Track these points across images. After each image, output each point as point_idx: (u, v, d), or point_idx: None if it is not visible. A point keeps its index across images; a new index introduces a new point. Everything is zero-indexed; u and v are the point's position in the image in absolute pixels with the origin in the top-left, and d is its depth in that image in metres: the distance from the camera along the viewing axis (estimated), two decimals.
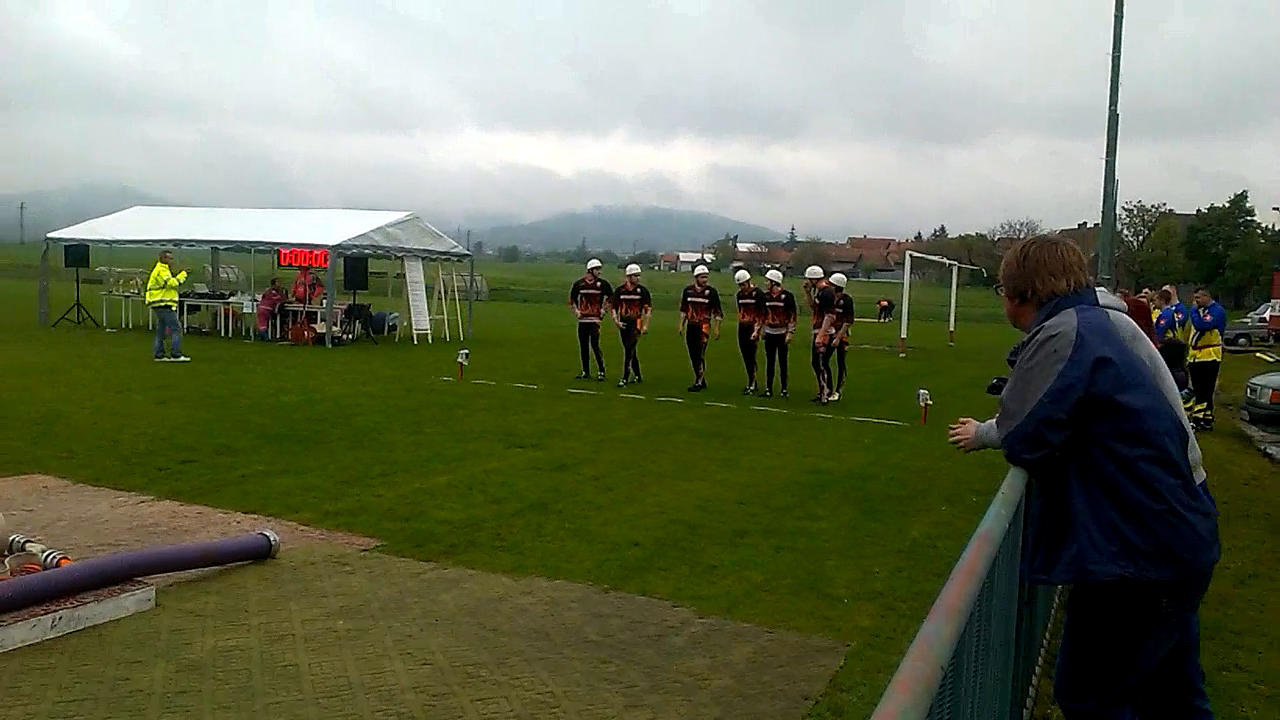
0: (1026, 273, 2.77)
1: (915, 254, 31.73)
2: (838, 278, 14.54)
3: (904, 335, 25.06)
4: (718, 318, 14.63)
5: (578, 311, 15.17)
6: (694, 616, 4.87)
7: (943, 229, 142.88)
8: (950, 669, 1.27)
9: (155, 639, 4.33)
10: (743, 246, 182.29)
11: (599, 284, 15.04)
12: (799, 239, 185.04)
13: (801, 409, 12.89)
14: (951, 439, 3.13)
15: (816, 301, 13.69)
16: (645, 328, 14.84)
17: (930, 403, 11.74)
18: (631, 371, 14.90)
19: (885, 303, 44.36)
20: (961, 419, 3.11)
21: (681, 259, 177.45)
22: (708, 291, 14.61)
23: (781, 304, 13.91)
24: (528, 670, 4.14)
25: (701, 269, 15.82)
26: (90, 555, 5.19)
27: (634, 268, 15.74)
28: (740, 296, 14.44)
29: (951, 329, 31.10)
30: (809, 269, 14.25)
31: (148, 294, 16.86)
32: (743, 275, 14.65)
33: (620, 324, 14.85)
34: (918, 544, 6.37)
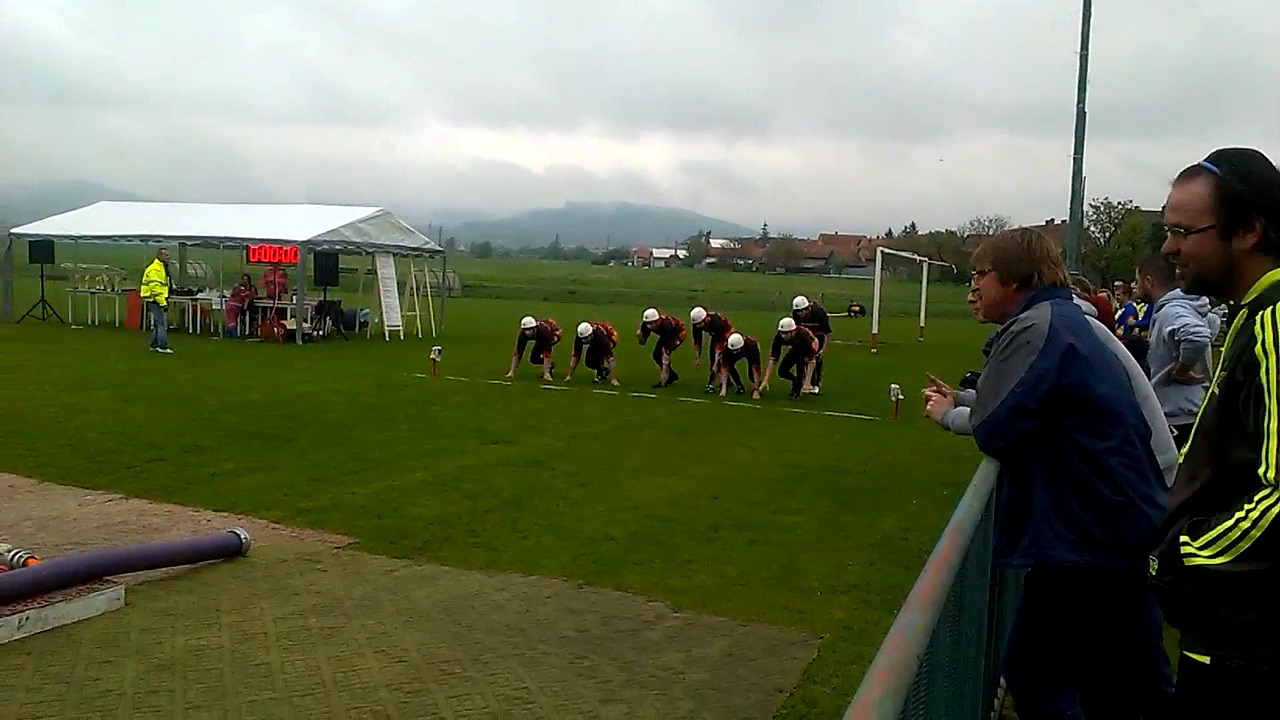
0: (1034, 258, 2.79)
1: (886, 250, 31.98)
2: (798, 300, 15.20)
3: (875, 331, 25.25)
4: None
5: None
6: (669, 611, 4.88)
7: (913, 225, 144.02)
8: (926, 658, 1.29)
9: (125, 638, 4.28)
10: (715, 242, 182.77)
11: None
12: (771, 235, 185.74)
13: (774, 404, 12.95)
14: (926, 400, 3.16)
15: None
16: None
17: (902, 397, 11.84)
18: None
19: (857, 307, 44.64)
20: (934, 379, 3.16)
21: (655, 255, 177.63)
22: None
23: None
24: (503, 666, 4.13)
25: (651, 313, 15.55)
26: (58, 555, 5.11)
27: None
28: (699, 330, 14.85)
29: (922, 324, 31.38)
30: (783, 321, 13.64)
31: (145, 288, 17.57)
32: (698, 313, 14.90)
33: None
34: (890, 537, 6.43)
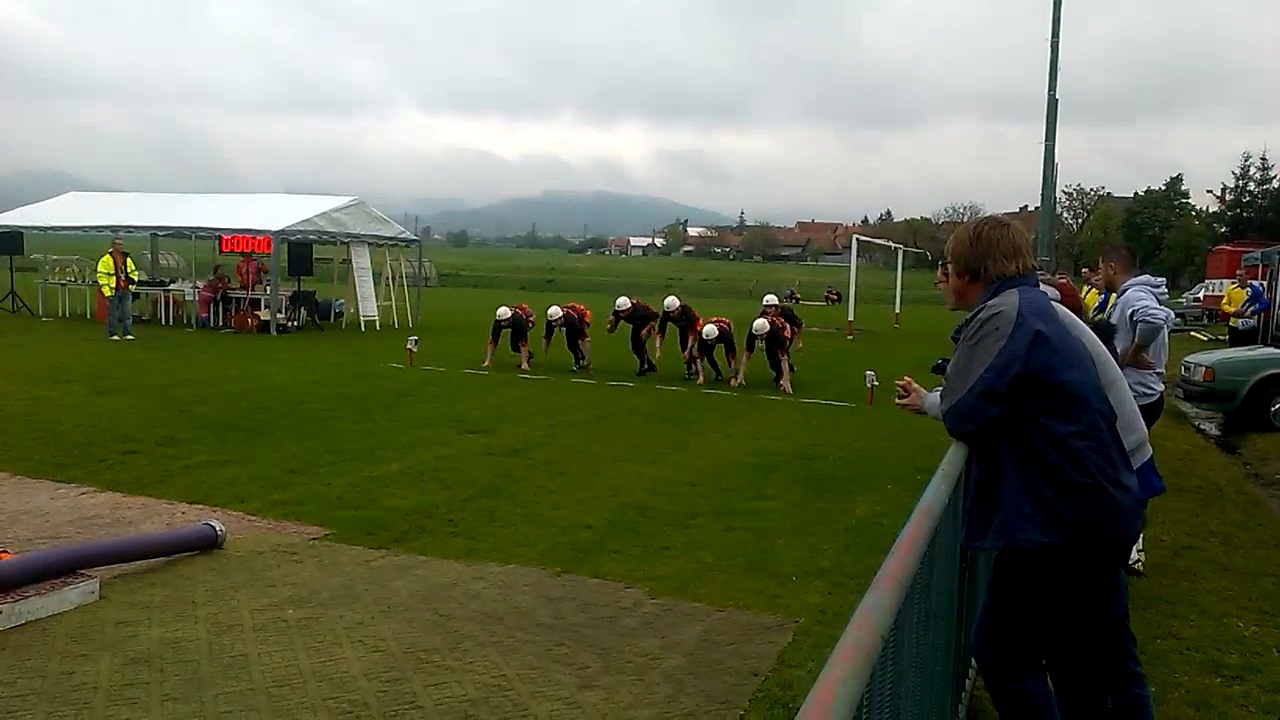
0: (979, 252, 2.83)
1: (862, 238, 32.11)
2: (768, 298, 15.01)
3: (851, 318, 25.38)
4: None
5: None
6: (646, 597, 4.91)
7: (888, 213, 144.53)
8: (892, 638, 1.32)
9: (100, 632, 4.26)
10: (693, 231, 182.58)
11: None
12: (749, 223, 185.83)
13: (752, 392, 13.01)
14: (898, 403, 3.22)
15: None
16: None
17: (877, 384, 11.93)
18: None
19: (834, 295, 44.92)
20: (907, 378, 3.21)
21: (633, 243, 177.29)
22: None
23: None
24: (480, 654, 4.15)
25: (623, 300, 15.46)
26: (31, 548, 5.07)
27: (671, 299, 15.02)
28: (668, 319, 14.59)
29: (897, 311, 31.57)
30: (756, 324, 13.27)
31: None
32: (671, 301, 14.63)
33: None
34: (864, 522, 6.50)
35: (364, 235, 22.26)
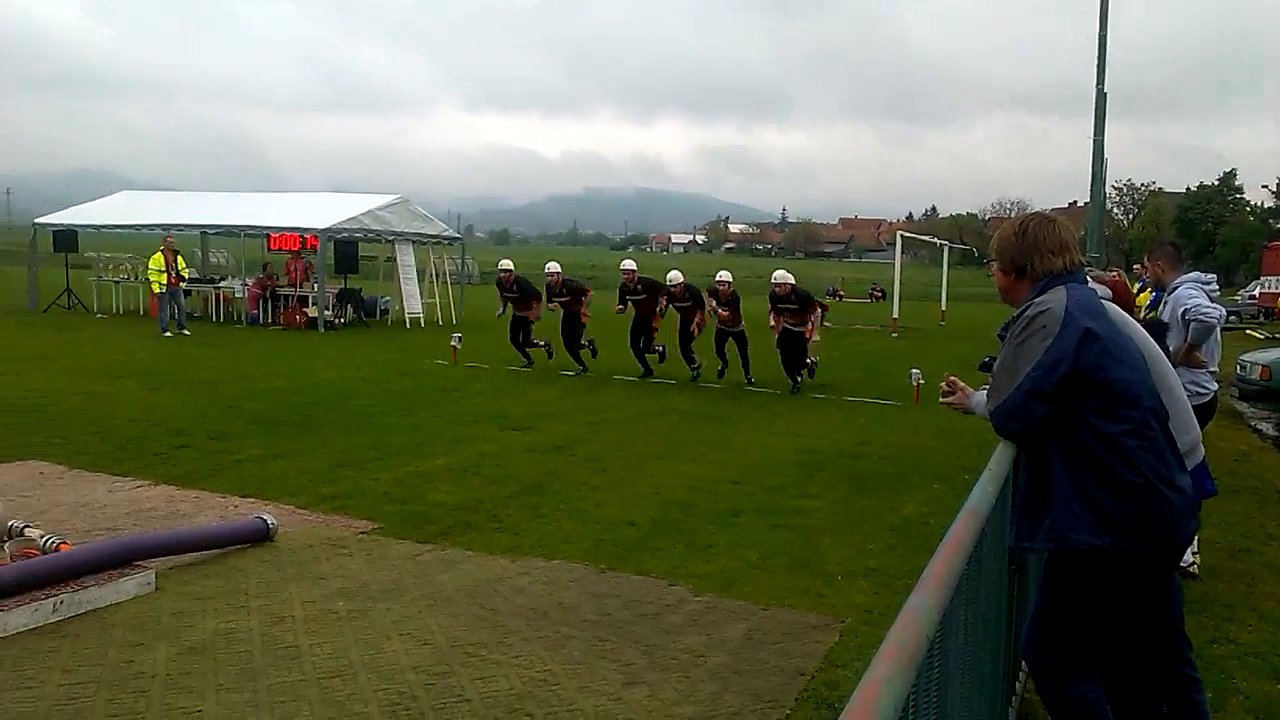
0: (1025, 248, 2.79)
1: (906, 234, 31.78)
2: (779, 274, 13.07)
3: (895, 315, 25.14)
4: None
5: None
6: (690, 595, 4.92)
7: (933, 209, 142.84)
8: (938, 639, 1.32)
9: (156, 622, 4.37)
10: (734, 227, 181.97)
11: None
12: (790, 219, 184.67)
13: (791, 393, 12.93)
14: (943, 401, 3.19)
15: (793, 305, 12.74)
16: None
17: (923, 382, 11.81)
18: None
19: (879, 292, 44.39)
20: (952, 377, 3.17)
21: (674, 240, 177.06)
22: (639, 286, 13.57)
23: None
24: (526, 649, 4.19)
25: (628, 264, 14.24)
26: (89, 540, 5.22)
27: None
28: (672, 299, 13.36)
29: (943, 308, 31.20)
30: (778, 273, 12.69)
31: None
32: (674, 276, 13.40)
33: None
34: (910, 521, 6.44)
35: (408, 233, 22.51)
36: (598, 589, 4.97)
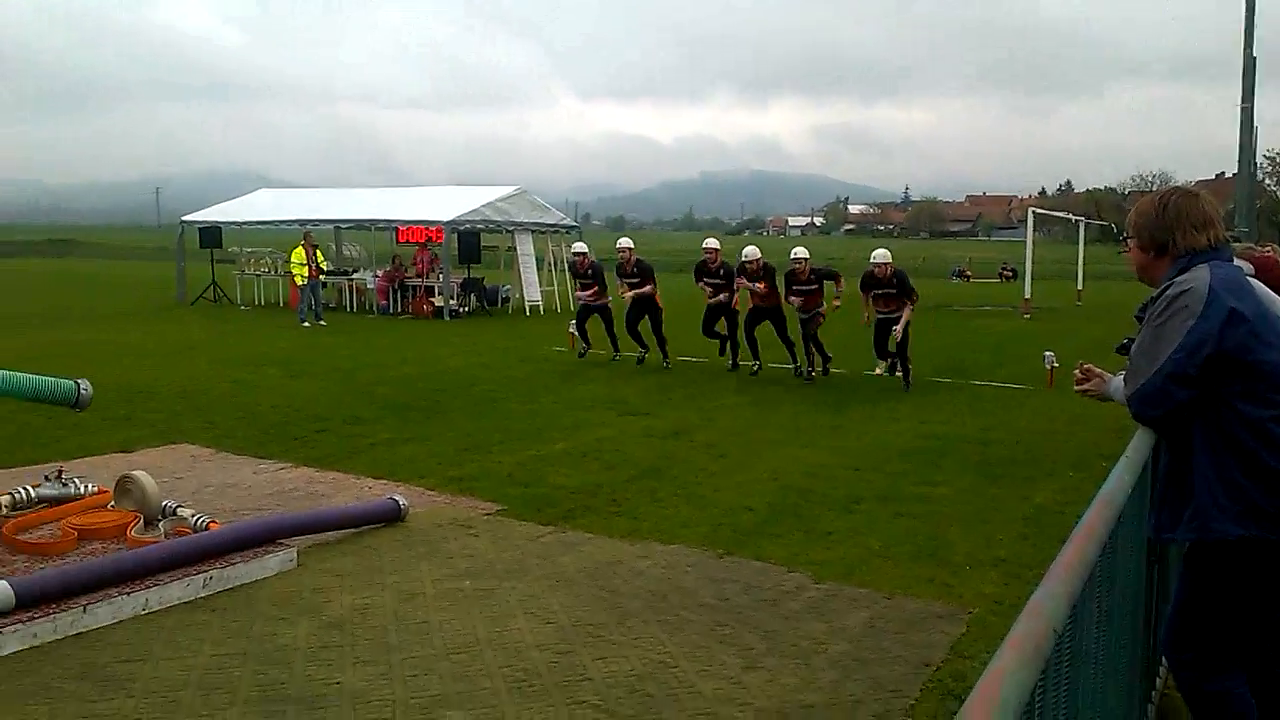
0: (1167, 224, 2.64)
1: (1039, 210, 30.45)
2: (799, 252, 11.96)
3: (1027, 295, 24.14)
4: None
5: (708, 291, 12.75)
6: (810, 582, 4.88)
7: (1068, 183, 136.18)
8: (1068, 631, 1.27)
9: (298, 597, 4.61)
10: (854, 208, 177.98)
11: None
12: (913, 198, 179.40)
13: (917, 375, 12.59)
14: (1077, 389, 3.04)
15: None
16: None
17: (1056, 365, 11.32)
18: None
19: (1009, 272, 42.53)
20: (1086, 365, 3.02)
21: (790, 223, 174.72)
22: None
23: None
24: (646, 631, 4.24)
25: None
26: (236, 519, 5.55)
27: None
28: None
29: (1079, 287, 29.79)
30: (878, 252, 11.45)
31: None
32: (751, 251, 12.29)
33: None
34: (1043, 510, 6.21)
35: (527, 223, 22.95)
36: (716, 574, 4.99)
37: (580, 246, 14.02)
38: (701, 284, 12.78)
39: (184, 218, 25.95)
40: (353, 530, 5.58)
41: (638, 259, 13.24)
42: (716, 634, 4.22)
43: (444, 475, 6.96)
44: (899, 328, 11.02)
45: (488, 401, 10.18)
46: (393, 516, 5.75)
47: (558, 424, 8.96)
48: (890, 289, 11.25)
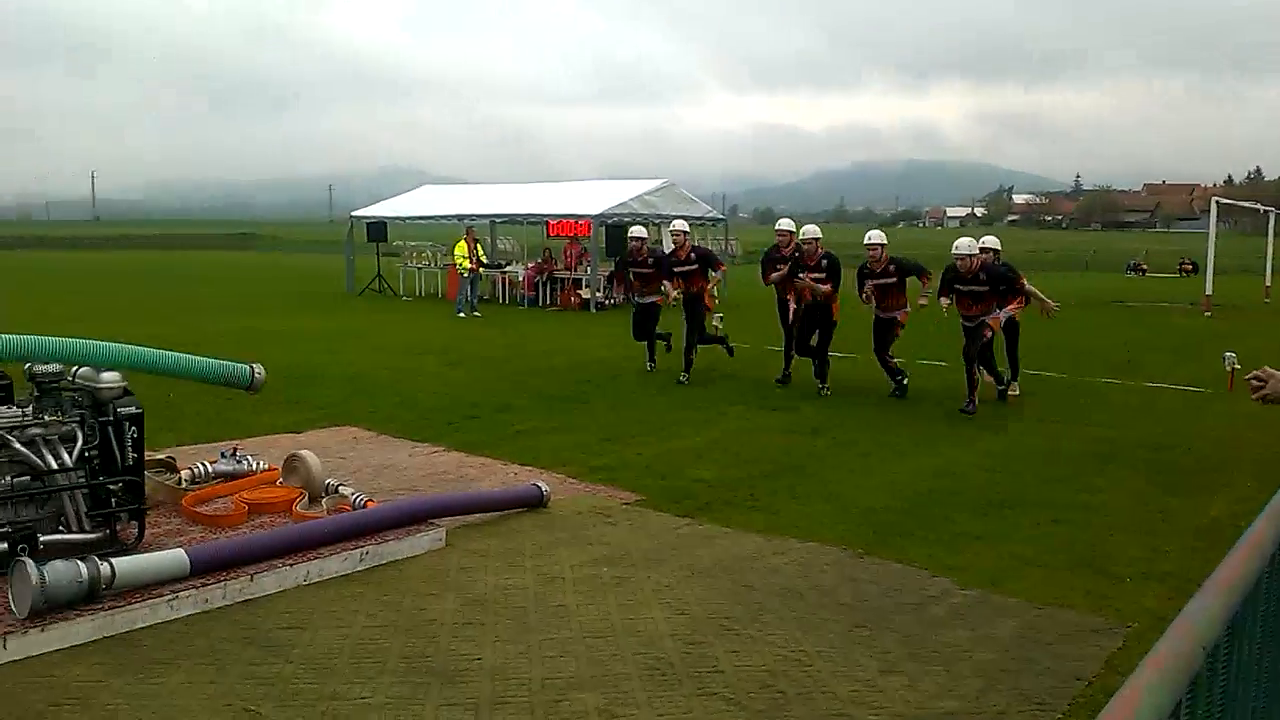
0: None
1: (1223, 200, 28.19)
2: (963, 242, 9.59)
3: (1209, 292, 22.41)
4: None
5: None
6: (954, 587, 4.70)
7: (1257, 170, 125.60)
8: (1225, 648, 1.17)
9: (446, 575, 4.81)
10: (1019, 198, 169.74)
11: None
12: (1085, 187, 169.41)
13: (1077, 377, 11.92)
14: (1255, 396, 2.80)
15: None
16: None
17: (1238, 367, 10.42)
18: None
19: (1189, 266, 39.47)
20: (1265, 368, 2.77)
21: (949, 214, 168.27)
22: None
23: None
24: (781, 628, 4.19)
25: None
26: (392, 499, 5.83)
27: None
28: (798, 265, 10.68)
29: (1267, 284, 27.42)
30: (961, 241, 9.59)
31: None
32: (810, 230, 10.69)
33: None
34: (1219, 522, 5.76)
35: (673, 216, 23.03)
36: (854, 574, 4.88)
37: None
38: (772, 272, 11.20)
39: (353, 213, 27.41)
40: (497, 514, 5.76)
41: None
42: (853, 635, 4.13)
43: (585, 464, 7.09)
44: (994, 318, 9.11)
45: (630, 393, 10.30)
46: (536, 502, 5.90)
47: (698, 417, 8.96)
48: (980, 286, 9.26)
